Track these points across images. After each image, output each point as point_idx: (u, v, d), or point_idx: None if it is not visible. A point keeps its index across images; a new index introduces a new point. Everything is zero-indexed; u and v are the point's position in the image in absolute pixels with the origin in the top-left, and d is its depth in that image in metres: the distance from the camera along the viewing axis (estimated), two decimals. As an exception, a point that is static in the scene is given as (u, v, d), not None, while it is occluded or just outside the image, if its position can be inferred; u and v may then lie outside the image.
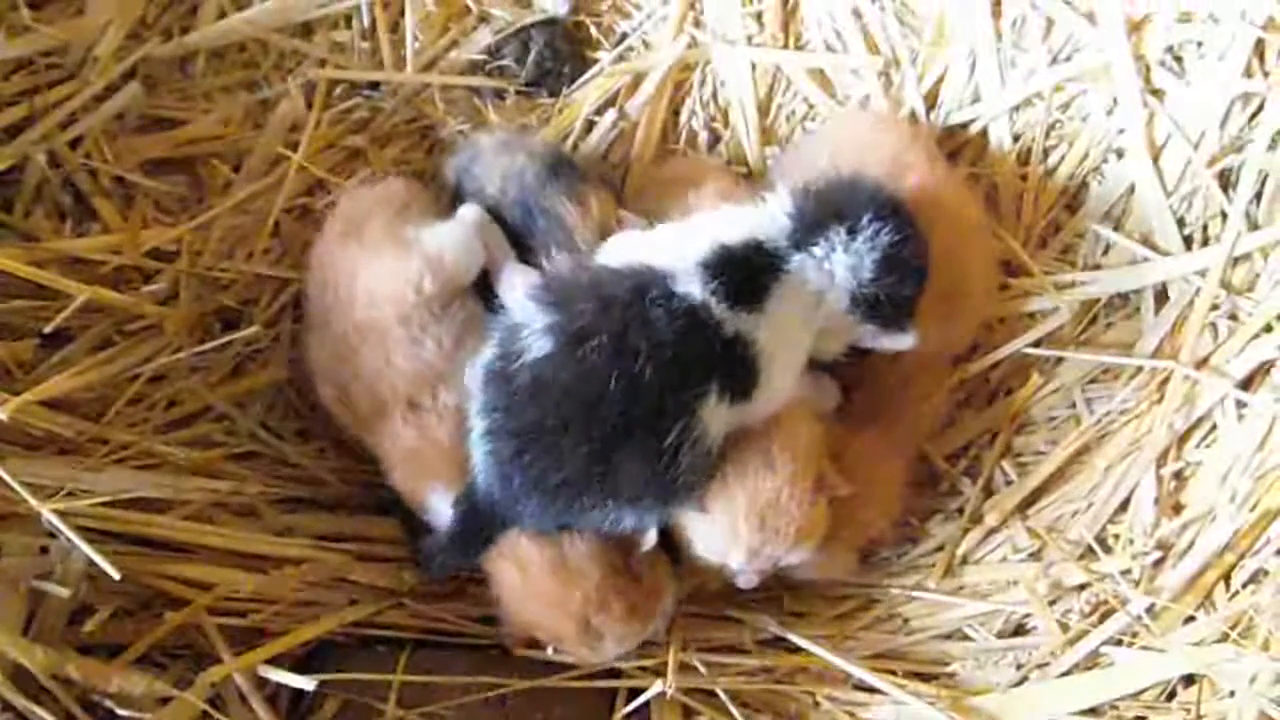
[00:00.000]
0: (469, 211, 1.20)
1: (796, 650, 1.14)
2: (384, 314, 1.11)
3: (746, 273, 1.03)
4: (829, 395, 1.19)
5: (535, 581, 1.05)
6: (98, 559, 0.94)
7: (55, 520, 0.94)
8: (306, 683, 0.97)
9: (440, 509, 1.09)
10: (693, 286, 1.00)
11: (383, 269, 1.12)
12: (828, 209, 1.06)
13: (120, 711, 0.93)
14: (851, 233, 1.05)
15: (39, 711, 0.89)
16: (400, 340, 1.10)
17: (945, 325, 1.18)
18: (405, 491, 1.12)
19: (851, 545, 1.17)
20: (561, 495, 1.01)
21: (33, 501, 0.94)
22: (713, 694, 1.10)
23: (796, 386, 1.09)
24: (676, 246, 1.04)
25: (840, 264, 1.05)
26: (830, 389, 1.19)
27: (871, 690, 1.12)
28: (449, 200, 1.27)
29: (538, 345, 0.99)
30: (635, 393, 0.97)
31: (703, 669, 1.11)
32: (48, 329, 1.12)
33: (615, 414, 0.97)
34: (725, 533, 1.06)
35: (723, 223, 1.06)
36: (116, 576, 0.94)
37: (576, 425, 0.98)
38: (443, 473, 1.08)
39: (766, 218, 1.07)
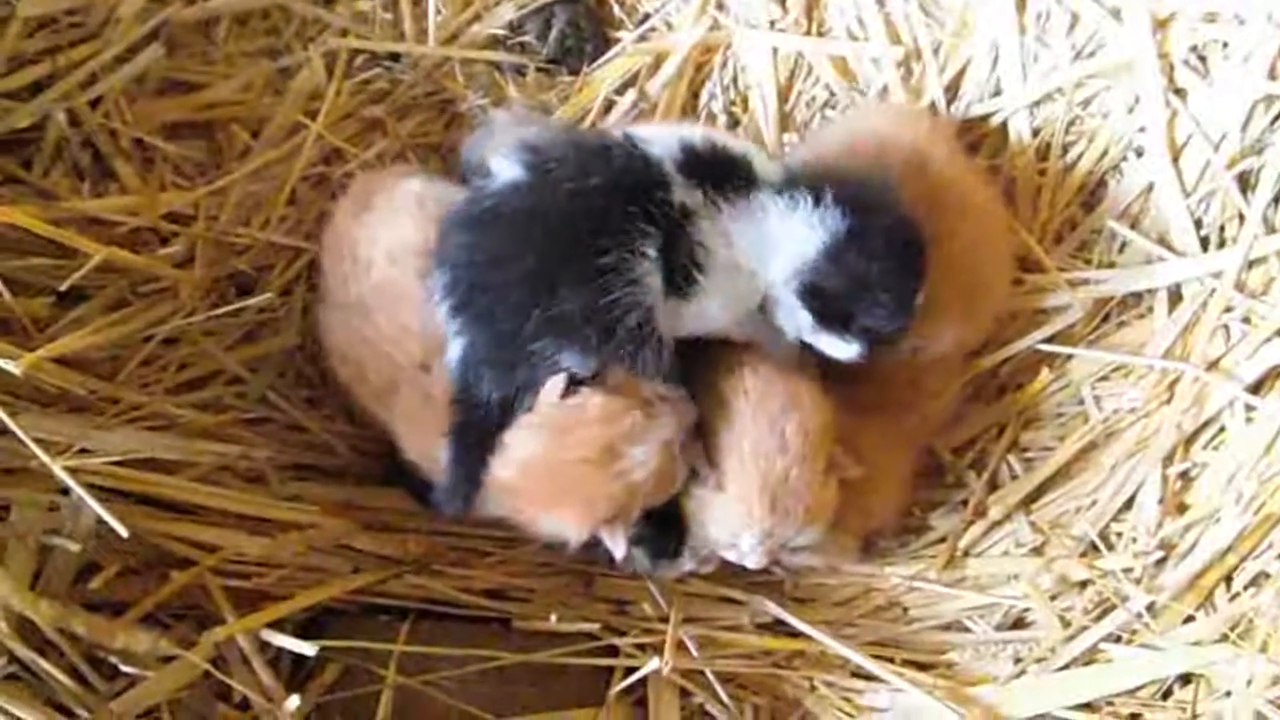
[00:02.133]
0: None
1: (796, 635, 1.14)
2: (403, 271, 1.12)
3: (717, 164, 1.05)
4: (786, 349, 1.16)
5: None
6: (107, 516, 0.94)
7: (66, 477, 0.95)
8: (308, 648, 0.98)
9: None
10: (661, 151, 1.04)
11: (401, 229, 1.14)
12: (817, 177, 1.07)
13: (124, 668, 0.94)
14: (816, 202, 1.05)
15: (43, 664, 0.90)
16: (416, 300, 1.10)
17: (964, 322, 1.18)
18: (419, 454, 1.12)
19: (854, 532, 1.17)
20: (508, 327, 1.02)
21: (44, 457, 0.95)
22: (714, 663, 1.11)
23: (741, 332, 1.10)
24: (671, 131, 1.08)
25: (798, 226, 1.05)
26: (790, 347, 1.16)
27: (869, 677, 1.12)
28: (461, 177, 1.28)
29: (507, 172, 1.03)
30: (586, 217, 1.00)
31: (695, 651, 1.11)
32: (63, 287, 1.13)
33: (566, 238, 1.00)
34: (738, 512, 1.06)
35: (726, 135, 1.09)
36: (125, 534, 0.95)
37: (532, 247, 1.01)
38: None
39: (764, 156, 1.09)
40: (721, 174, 1.05)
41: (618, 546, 1.06)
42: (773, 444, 1.05)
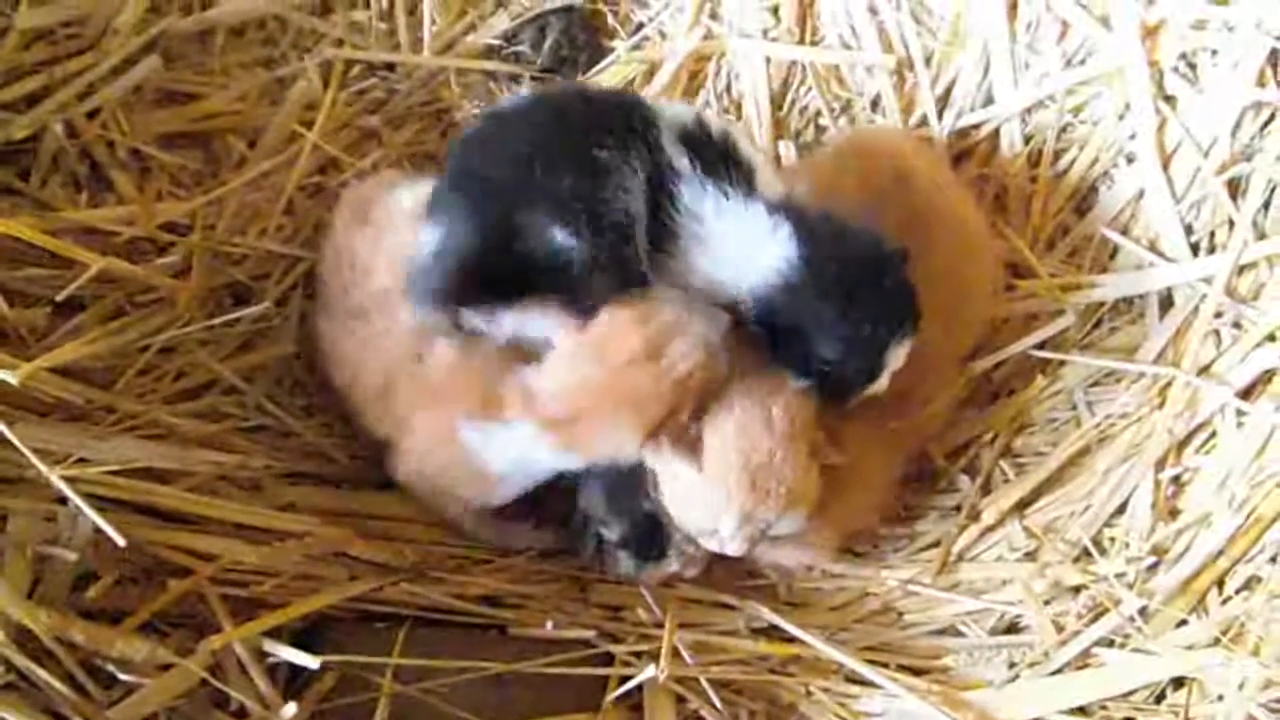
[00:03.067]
0: None
1: (791, 640, 1.15)
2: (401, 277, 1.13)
3: (717, 149, 1.07)
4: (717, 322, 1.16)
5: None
6: (104, 525, 0.95)
7: (63, 486, 0.95)
8: (310, 661, 0.98)
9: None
10: (669, 116, 1.08)
11: (398, 239, 1.15)
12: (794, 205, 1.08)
13: (121, 676, 0.94)
14: (788, 227, 1.06)
15: (41, 673, 0.90)
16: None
17: (946, 336, 1.19)
18: (421, 446, 1.14)
19: (835, 529, 1.17)
20: (497, 206, 1.04)
21: (42, 467, 0.95)
22: (709, 670, 1.11)
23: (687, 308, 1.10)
24: (691, 109, 1.12)
25: (769, 246, 1.05)
26: (720, 317, 1.14)
27: (864, 683, 1.13)
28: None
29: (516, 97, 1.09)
30: (586, 117, 1.05)
31: (690, 657, 1.11)
32: (60, 297, 1.13)
33: (565, 129, 1.04)
34: (717, 494, 1.05)
35: (743, 136, 1.11)
36: (122, 543, 0.95)
37: (531, 135, 1.05)
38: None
39: (771, 173, 1.11)
40: (717, 160, 1.06)
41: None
42: (758, 425, 1.05)
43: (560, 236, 1.03)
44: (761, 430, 1.04)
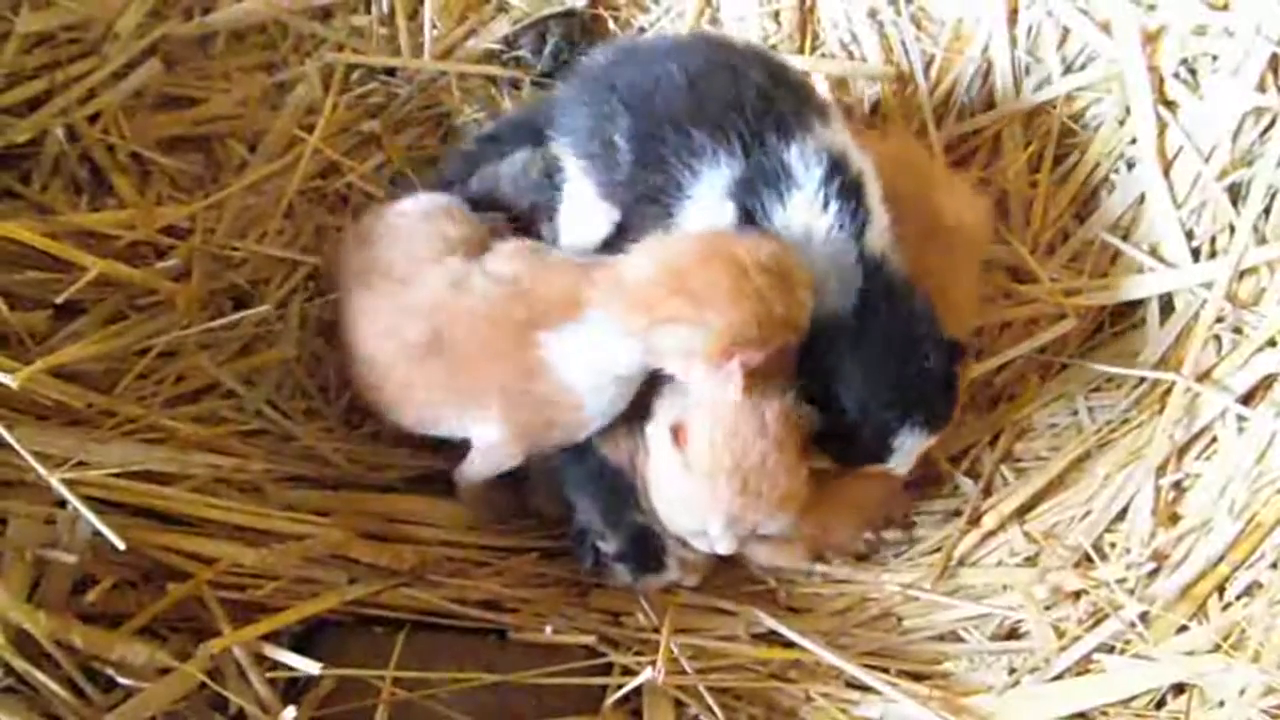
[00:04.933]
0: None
1: (790, 645, 1.15)
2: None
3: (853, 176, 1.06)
4: None
5: None
6: (104, 529, 0.95)
7: (63, 489, 0.95)
8: (312, 666, 0.98)
9: None
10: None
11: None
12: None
13: (120, 680, 0.94)
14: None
15: (40, 676, 0.90)
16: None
17: None
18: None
19: (806, 538, 1.16)
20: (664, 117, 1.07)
21: (41, 470, 0.95)
22: (708, 677, 1.11)
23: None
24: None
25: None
26: None
27: (864, 688, 1.13)
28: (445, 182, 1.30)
29: None
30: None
31: (689, 662, 1.11)
32: (60, 300, 1.13)
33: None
34: (707, 495, 1.04)
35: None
36: (121, 547, 0.95)
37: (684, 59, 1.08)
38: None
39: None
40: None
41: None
42: (751, 427, 1.03)
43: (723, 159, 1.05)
44: (755, 433, 1.03)
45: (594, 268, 1.06)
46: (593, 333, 1.04)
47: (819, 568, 1.24)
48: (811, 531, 1.16)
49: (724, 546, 1.07)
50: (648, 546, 1.14)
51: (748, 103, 1.05)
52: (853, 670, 1.11)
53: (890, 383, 1.04)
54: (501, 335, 1.09)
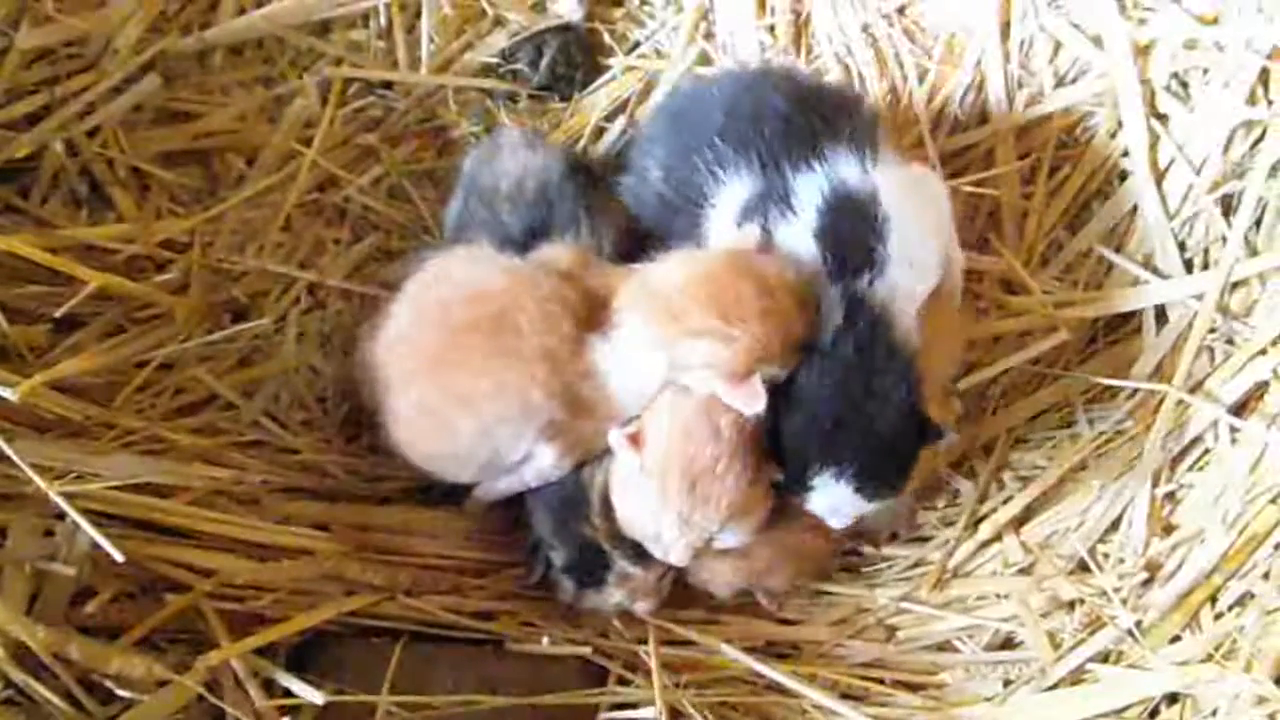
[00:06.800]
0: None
1: (784, 657, 1.15)
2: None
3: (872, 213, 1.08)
4: None
5: None
6: (103, 541, 0.95)
7: (62, 502, 0.95)
8: (316, 696, 0.98)
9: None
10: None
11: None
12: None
13: (119, 692, 0.94)
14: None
15: (38, 688, 0.90)
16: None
17: None
18: None
19: (740, 567, 1.16)
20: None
21: (40, 483, 0.95)
22: (703, 692, 1.11)
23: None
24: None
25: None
26: None
27: (859, 699, 1.13)
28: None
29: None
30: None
31: (682, 674, 1.12)
32: (59, 314, 1.14)
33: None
34: (657, 493, 1.04)
35: None
36: (120, 559, 0.95)
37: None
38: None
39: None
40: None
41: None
42: (704, 431, 1.03)
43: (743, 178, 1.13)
44: (707, 436, 1.03)
45: (626, 275, 1.08)
46: (629, 340, 1.06)
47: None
48: (754, 566, 1.15)
49: (677, 555, 1.06)
50: (591, 562, 1.13)
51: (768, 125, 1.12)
52: (848, 682, 1.11)
53: (829, 419, 1.03)
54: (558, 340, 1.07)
